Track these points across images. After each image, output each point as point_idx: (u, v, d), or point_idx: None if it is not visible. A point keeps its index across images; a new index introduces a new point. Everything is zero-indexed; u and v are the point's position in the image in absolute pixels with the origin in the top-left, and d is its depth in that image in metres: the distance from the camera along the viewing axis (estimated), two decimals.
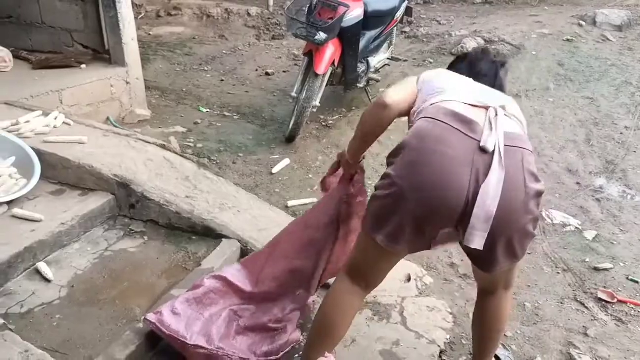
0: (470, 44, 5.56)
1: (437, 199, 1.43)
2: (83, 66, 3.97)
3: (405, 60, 5.35)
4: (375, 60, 4.51)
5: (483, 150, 1.43)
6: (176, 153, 2.96)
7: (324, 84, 3.94)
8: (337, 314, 1.68)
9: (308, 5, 3.85)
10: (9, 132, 2.79)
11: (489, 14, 6.81)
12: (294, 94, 3.92)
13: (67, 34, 4.23)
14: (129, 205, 2.62)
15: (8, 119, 2.95)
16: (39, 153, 2.69)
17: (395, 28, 4.77)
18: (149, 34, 6.30)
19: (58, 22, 4.22)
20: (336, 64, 3.97)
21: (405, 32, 6.34)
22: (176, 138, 3.83)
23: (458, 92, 1.60)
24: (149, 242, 2.49)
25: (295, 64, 5.64)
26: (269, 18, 6.83)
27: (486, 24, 6.17)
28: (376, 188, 1.57)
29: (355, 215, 2.05)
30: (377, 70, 4.66)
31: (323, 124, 4.32)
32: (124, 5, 3.85)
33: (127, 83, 4.04)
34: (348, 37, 3.94)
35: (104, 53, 4.13)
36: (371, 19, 4.12)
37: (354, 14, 3.83)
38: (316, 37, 3.68)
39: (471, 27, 6.13)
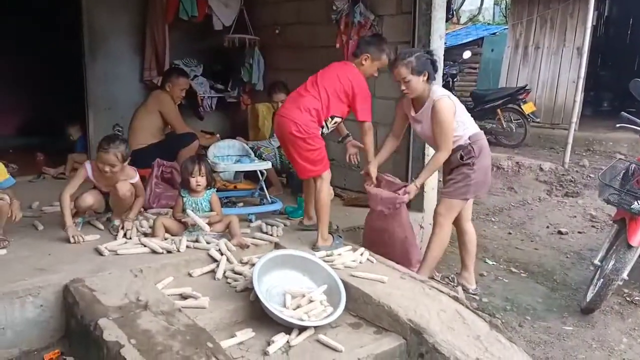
0: None
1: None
2: None
3: None
4: None
5: None
6: (468, 308, 2.92)
7: (636, 256, 3.49)
8: None
9: (624, 171, 3.59)
10: (325, 261, 3.19)
11: None
12: (596, 262, 3.58)
13: None
14: (418, 354, 2.63)
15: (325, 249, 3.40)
16: (346, 285, 2.98)
17: None
18: None
19: None
20: None
21: None
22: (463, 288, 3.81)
23: None
24: None
25: (593, 226, 5.21)
26: (562, 174, 6.59)
27: None
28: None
29: None
30: None
31: (627, 299, 3.77)
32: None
33: (421, 227, 4.29)
34: None
35: None
36: None
37: None
38: (632, 206, 3.35)
39: None
